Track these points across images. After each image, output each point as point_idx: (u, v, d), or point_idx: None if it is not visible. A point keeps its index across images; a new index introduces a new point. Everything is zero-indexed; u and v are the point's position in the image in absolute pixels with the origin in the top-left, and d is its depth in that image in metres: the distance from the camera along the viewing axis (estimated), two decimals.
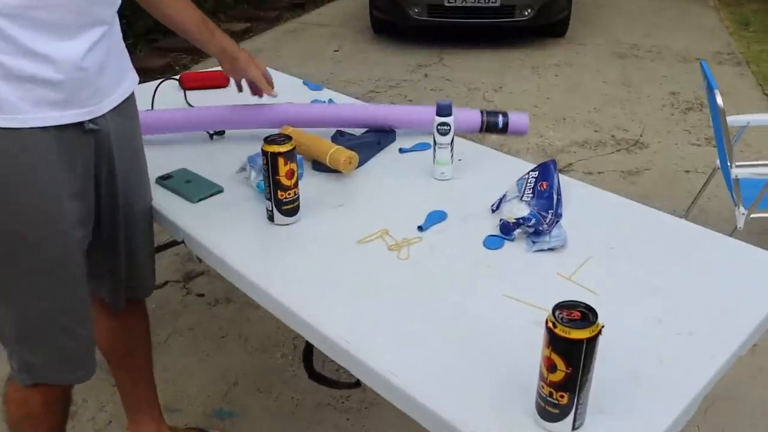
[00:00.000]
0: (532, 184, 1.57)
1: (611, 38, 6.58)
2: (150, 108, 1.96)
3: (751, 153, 3.87)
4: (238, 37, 5.94)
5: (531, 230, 1.41)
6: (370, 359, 1.10)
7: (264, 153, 1.42)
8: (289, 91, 2.18)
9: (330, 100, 2.16)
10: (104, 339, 1.76)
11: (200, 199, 1.59)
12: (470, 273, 1.32)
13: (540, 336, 0.92)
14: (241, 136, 1.91)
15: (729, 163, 2.54)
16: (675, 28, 6.90)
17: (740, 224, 2.56)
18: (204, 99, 2.13)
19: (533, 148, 4.13)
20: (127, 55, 1.48)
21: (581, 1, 7.47)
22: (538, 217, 1.46)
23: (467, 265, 1.34)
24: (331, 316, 1.20)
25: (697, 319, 1.18)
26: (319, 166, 1.72)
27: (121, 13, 1.40)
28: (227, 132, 1.94)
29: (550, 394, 0.93)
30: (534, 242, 1.40)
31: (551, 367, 0.91)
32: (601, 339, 0.89)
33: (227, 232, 1.47)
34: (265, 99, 1.83)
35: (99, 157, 1.39)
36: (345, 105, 2.01)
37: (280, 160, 1.42)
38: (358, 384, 1.16)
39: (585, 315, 0.90)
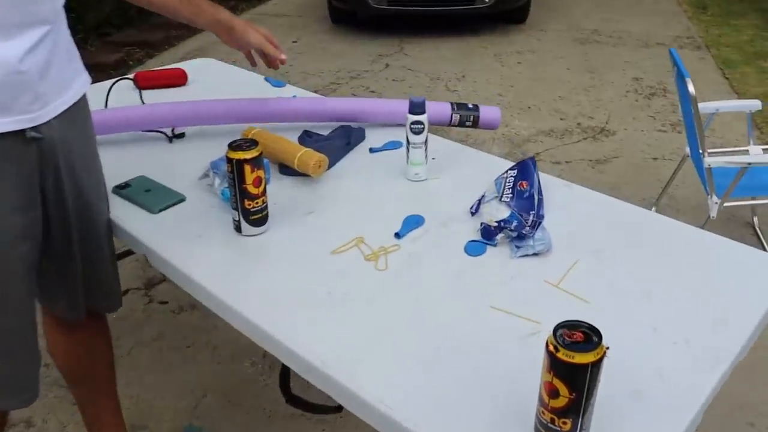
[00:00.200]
0: (511, 184, 1.50)
1: (572, 23, 6.55)
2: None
3: (716, 138, 3.87)
4: (190, 31, 5.73)
5: (514, 234, 1.35)
6: (352, 384, 1.02)
7: (229, 160, 1.33)
8: (249, 89, 2.08)
9: (294, 97, 2.06)
10: (62, 357, 1.67)
11: (161, 210, 1.49)
12: (453, 284, 1.25)
13: (532, 349, 0.87)
14: (202, 137, 1.81)
15: (701, 152, 2.51)
16: (634, 13, 6.90)
17: (713, 213, 2.53)
18: (161, 99, 2.00)
19: (500, 138, 4.07)
20: (77, 55, 1.37)
21: None
22: (519, 219, 1.39)
23: (450, 276, 1.27)
24: (307, 336, 1.12)
25: (691, 325, 1.13)
26: (286, 169, 1.63)
27: (68, 6, 1.28)
28: (187, 134, 1.83)
29: (552, 421, 0.87)
30: (518, 247, 1.33)
31: (553, 393, 0.84)
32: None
33: (192, 246, 1.37)
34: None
35: (44, 167, 1.28)
36: (311, 98, 1.92)
37: (247, 168, 1.33)
38: (340, 408, 1.08)
39: (588, 336, 0.84)
